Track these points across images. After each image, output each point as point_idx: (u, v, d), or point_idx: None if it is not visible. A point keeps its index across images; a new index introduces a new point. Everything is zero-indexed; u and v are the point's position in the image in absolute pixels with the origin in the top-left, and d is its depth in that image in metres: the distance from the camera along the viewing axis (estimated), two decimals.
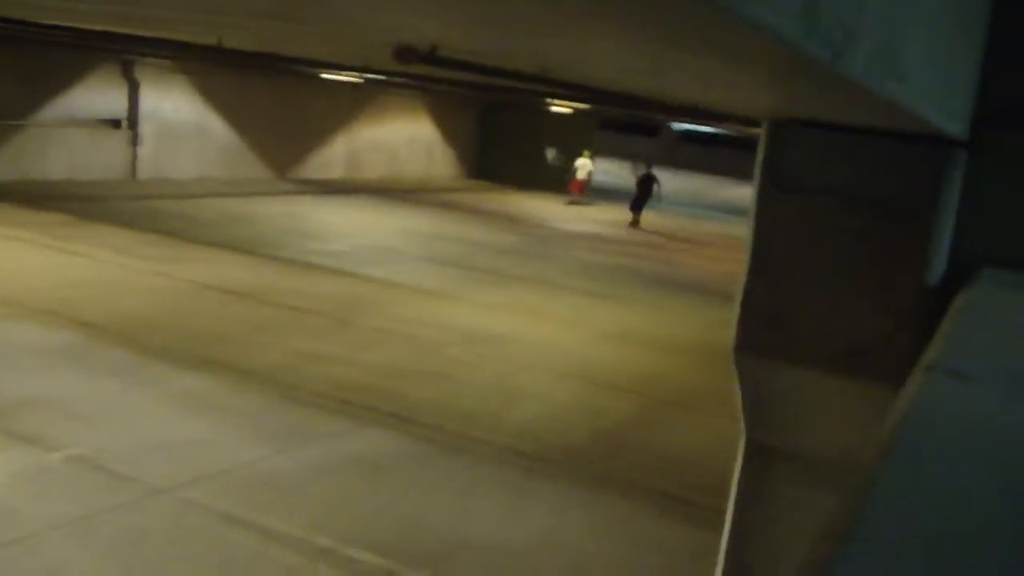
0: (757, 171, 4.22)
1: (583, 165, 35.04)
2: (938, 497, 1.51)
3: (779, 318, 4.23)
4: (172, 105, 26.88)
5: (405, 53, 6.41)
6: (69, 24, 12.65)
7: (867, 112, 3.04)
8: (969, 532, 1.36)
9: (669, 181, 50.41)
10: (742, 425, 4.61)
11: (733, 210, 40.31)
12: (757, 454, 4.54)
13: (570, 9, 1.56)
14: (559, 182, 36.91)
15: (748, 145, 47.25)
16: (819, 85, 2.16)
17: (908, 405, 2.01)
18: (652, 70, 2.56)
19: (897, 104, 2.37)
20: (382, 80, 22.09)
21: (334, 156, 32.98)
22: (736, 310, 4.42)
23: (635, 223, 30.45)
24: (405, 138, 36.30)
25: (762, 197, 4.21)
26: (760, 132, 4.28)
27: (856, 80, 1.90)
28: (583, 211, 32.70)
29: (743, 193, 47.39)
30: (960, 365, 2.33)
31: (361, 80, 22.67)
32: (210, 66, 25.73)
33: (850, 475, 1.85)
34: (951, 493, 1.53)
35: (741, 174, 52.85)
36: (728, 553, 4.73)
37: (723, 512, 4.90)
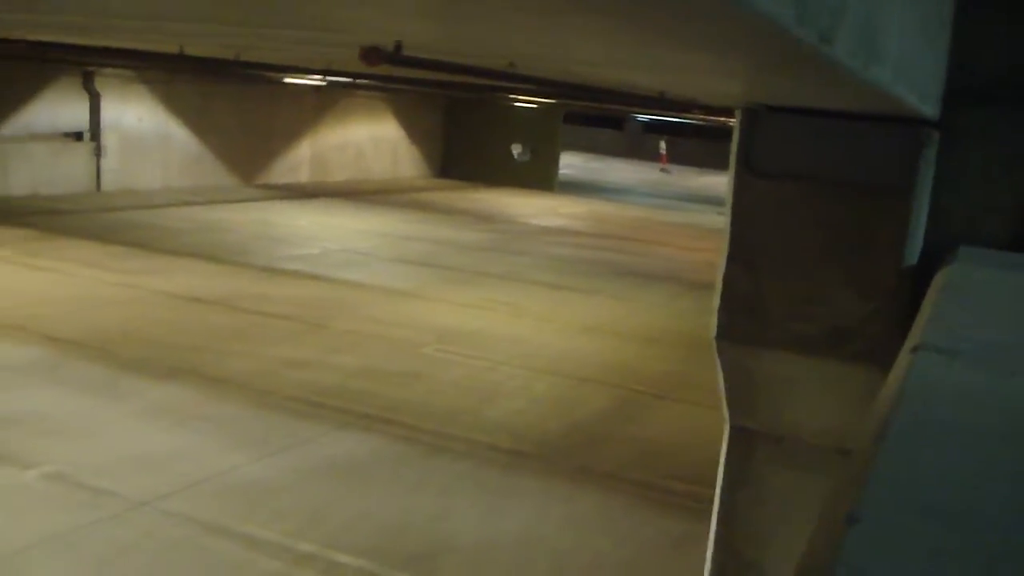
0: (732, 159, 4.22)
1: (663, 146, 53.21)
2: (940, 474, 1.51)
3: (759, 304, 4.23)
4: (135, 115, 26.64)
5: (371, 54, 6.37)
6: (28, 37, 12.52)
7: (846, 95, 3.04)
8: (976, 507, 1.36)
9: (634, 172, 50.58)
10: (725, 412, 4.61)
11: (696, 199, 40.44)
12: (742, 440, 4.55)
13: (566, 9, 1.55)
14: (526, 177, 37.04)
15: (712, 134, 47.45)
16: (805, 70, 2.15)
17: (899, 385, 2.01)
18: (632, 63, 2.54)
19: (877, 86, 2.37)
20: (346, 82, 22.00)
21: (300, 160, 32.81)
22: (716, 299, 4.42)
23: None
24: (371, 139, 36.16)
25: (738, 185, 4.21)
26: (727, 120, 4.28)
27: (841, 64, 1.89)
28: (551, 205, 32.69)
29: (707, 182, 47.59)
30: (946, 343, 2.33)
31: (324, 83, 22.58)
32: (172, 75, 25.52)
33: (845, 457, 1.85)
34: (953, 469, 1.53)
35: (705, 163, 53.19)
36: (717, 538, 4.74)
37: (704, 500, 4.92)
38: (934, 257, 3.98)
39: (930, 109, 3.67)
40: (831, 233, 4.06)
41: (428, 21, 2.75)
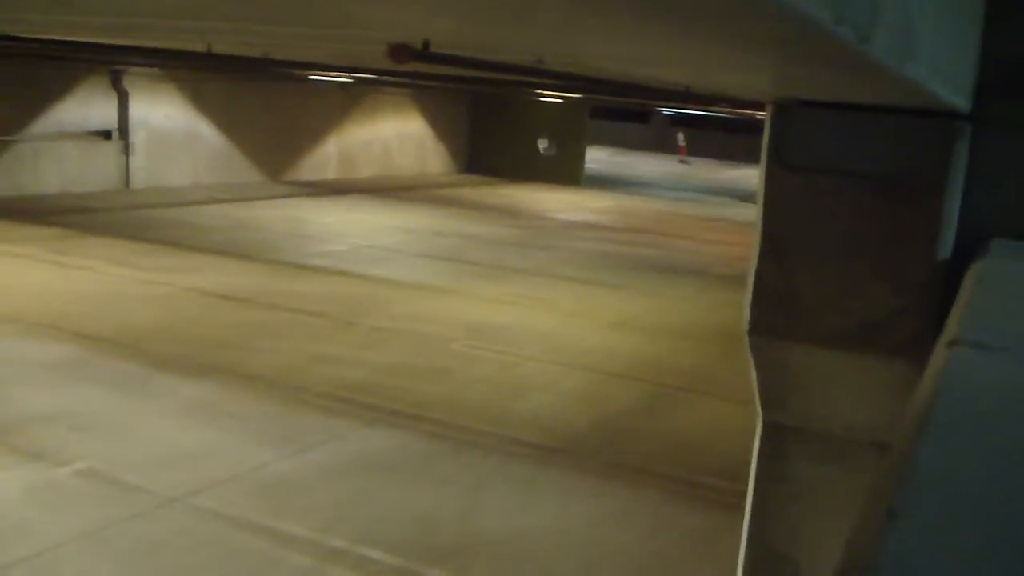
0: (763, 152, 4.22)
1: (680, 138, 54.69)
2: (982, 468, 1.50)
3: (791, 298, 4.22)
4: (163, 114, 26.82)
5: (399, 51, 6.38)
6: (58, 37, 12.61)
7: (880, 91, 3.03)
8: (1018, 501, 1.36)
9: (659, 166, 50.52)
10: (758, 407, 4.61)
11: (723, 192, 40.33)
12: (774, 435, 4.54)
13: (596, 8, 1.54)
14: (553, 172, 37.07)
15: (738, 127, 47.30)
16: (841, 68, 2.14)
17: (936, 379, 2.00)
18: (659, 61, 2.54)
19: (911, 81, 2.36)
20: (372, 79, 22.04)
21: (326, 157, 32.93)
22: (747, 293, 4.41)
23: None
24: (397, 135, 36.23)
25: (769, 179, 4.20)
26: (754, 113, 4.28)
27: (878, 61, 1.88)
28: (578, 200, 32.65)
29: (735, 175, 47.46)
30: (983, 337, 2.32)
31: (351, 80, 22.63)
32: (199, 73, 25.66)
33: (881, 452, 1.85)
34: (993, 463, 1.53)
35: (732, 156, 53.15)
36: (750, 534, 4.73)
37: (731, 494, 4.91)
38: (966, 251, 3.96)
39: (962, 101, 3.65)
40: (863, 227, 4.05)
41: (456, 19, 2.75)
